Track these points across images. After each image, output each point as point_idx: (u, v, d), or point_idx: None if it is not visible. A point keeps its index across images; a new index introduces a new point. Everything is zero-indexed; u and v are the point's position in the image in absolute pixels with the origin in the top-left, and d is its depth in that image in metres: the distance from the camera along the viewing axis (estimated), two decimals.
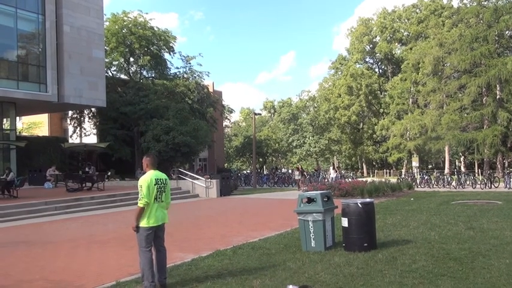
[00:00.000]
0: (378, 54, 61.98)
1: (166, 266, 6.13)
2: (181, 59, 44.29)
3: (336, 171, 32.42)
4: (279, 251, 8.09)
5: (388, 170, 57.10)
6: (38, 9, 26.67)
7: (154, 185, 5.90)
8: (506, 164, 38.93)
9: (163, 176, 6.11)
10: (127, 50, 39.80)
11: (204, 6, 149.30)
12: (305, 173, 32.77)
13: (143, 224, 5.87)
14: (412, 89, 52.08)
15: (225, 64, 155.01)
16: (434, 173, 32.78)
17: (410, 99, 53.40)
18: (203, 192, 23.42)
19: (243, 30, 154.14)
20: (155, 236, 6.02)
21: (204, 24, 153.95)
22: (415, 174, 35.27)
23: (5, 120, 27.73)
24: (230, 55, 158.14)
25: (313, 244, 7.95)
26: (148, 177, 5.92)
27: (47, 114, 42.21)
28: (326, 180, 31.53)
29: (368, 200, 8.23)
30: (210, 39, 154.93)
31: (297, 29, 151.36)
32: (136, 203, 5.89)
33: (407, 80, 52.12)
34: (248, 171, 51.32)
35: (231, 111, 57.55)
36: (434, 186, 27.04)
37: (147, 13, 42.82)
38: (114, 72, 42.02)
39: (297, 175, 30.32)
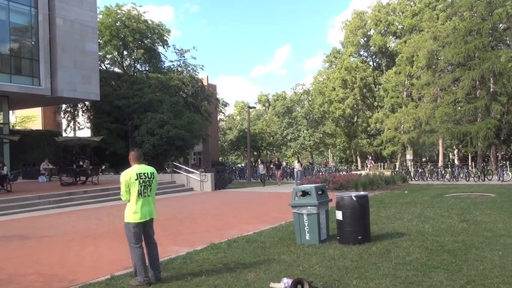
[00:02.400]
0: (372, 48, 61.92)
1: (159, 260, 6.13)
2: (176, 52, 44.23)
3: (302, 164, 29.27)
4: (274, 244, 8.10)
5: (382, 163, 57.30)
6: (30, 1, 26.45)
7: (136, 179, 5.82)
8: (499, 157, 39.13)
9: (148, 170, 6.02)
10: (121, 43, 39.62)
11: None
12: (281, 167, 30.42)
13: (130, 220, 5.83)
14: (406, 82, 52.13)
15: (220, 57, 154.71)
16: (428, 166, 32.89)
17: (405, 93, 53.47)
18: (198, 186, 23.43)
19: (238, 24, 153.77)
20: (144, 233, 5.98)
21: (200, 17, 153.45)
22: (409, 167, 35.40)
23: None
24: (225, 48, 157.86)
25: (307, 237, 7.97)
26: (128, 173, 5.87)
27: (40, 108, 41.96)
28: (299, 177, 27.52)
29: (362, 193, 8.25)
30: (205, 33, 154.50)
31: (292, 22, 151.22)
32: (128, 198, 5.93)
33: (402, 74, 52.16)
34: (243, 165, 51.36)
35: (225, 104, 57.50)
36: (428, 179, 27.14)
37: (140, 6, 42.77)
38: (108, 66, 41.87)
39: (261, 169, 27.99)
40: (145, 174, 5.93)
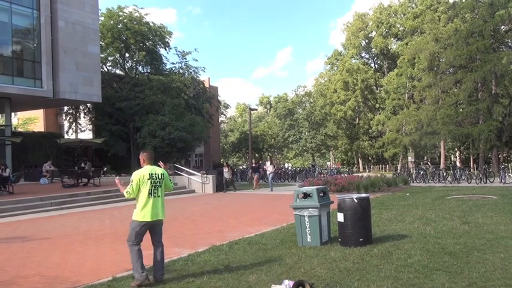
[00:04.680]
0: (373, 50, 61.89)
1: (163, 262, 6.15)
2: (177, 54, 44.25)
3: (274, 166, 25.49)
4: (275, 246, 8.10)
5: (383, 165, 57.23)
6: (32, 4, 26.54)
7: (148, 179, 5.93)
8: (501, 159, 39.04)
9: (159, 171, 6.15)
10: (122, 45, 39.67)
11: (202, 1, 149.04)
12: (261, 170, 26.95)
13: (137, 218, 5.92)
14: (407, 84, 52.08)
15: (222, 59, 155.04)
16: (430, 168, 32.81)
17: (406, 95, 53.41)
18: (199, 187, 23.43)
19: (240, 25, 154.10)
20: (152, 233, 6.07)
21: (202, 19, 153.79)
22: (411, 169, 35.32)
23: (0, 115, 27.64)
24: (227, 50, 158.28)
25: (309, 239, 7.97)
26: (142, 172, 6.00)
27: (42, 110, 42.05)
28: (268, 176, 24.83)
29: (364, 195, 8.24)
30: (207, 35, 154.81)
31: (294, 24, 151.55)
32: (132, 199, 6.05)
33: (403, 75, 52.10)
34: (244, 167, 51.33)
35: (226, 106, 57.45)
36: (430, 181, 27.08)
37: (142, 8, 42.79)
38: (110, 68, 41.89)
39: (225, 172, 24.57)
40: (156, 175, 6.06)
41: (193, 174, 24.53)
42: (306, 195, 8.15)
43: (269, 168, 24.72)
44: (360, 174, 29.18)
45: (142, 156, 6.18)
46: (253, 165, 26.89)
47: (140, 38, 39.46)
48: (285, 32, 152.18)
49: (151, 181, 5.96)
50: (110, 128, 36.01)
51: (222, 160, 58.53)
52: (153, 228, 6.06)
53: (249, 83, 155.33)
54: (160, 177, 6.08)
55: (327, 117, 63.55)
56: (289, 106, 68.80)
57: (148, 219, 5.91)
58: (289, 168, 47.21)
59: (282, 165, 56.42)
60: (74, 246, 9.04)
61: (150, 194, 5.93)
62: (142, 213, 5.91)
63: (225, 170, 24.79)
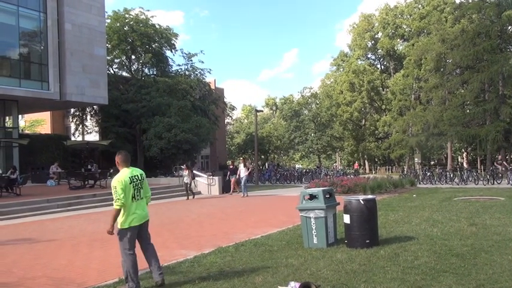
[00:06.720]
0: (379, 51, 61.73)
1: (159, 261, 6.06)
2: (183, 56, 44.32)
3: (248, 169, 22.98)
4: (281, 248, 8.08)
5: (390, 167, 57.01)
6: (39, 7, 26.68)
7: (130, 183, 5.71)
8: (508, 160, 38.78)
9: (138, 172, 5.93)
10: (128, 47, 39.79)
11: (209, 3, 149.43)
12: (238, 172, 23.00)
13: (124, 225, 5.69)
14: (414, 85, 51.89)
15: (228, 61, 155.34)
16: (437, 169, 32.65)
17: (413, 96, 53.22)
18: (205, 189, 23.44)
19: (247, 28, 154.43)
20: (139, 237, 5.91)
21: (209, 21, 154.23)
22: (418, 171, 35.16)
23: (7, 118, 27.84)
24: (233, 52, 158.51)
25: (315, 241, 7.94)
26: (122, 176, 5.71)
27: (49, 112, 42.27)
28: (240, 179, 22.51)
29: (370, 196, 8.22)
30: (214, 37, 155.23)
31: (301, 26, 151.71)
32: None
33: (410, 76, 51.91)
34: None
35: (232, 108, 57.42)
36: (437, 182, 26.97)
37: (148, 10, 42.87)
38: (116, 70, 42.03)
39: (185, 176, 21.12)
40: (136, 177, 5.85)
41: (200, 176, 24.55)
42: (312, 197, 8.12)
43: (242, 171, 22.25)
44: (366, 176, 29.10)
45: (117, 159, 5.88)
46: (231, 166, 24.94)
47: (146, 40, 39.57)
48: (291, 34, 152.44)
49: (133, 185, 5.74)
50: (116, 130, 36.12)
51: (227, 162, 58.62)
52: (141, 230, 5.89)
53: (255, 85, 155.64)
54: (140, 179, 5.87)
55: (333, 119, 63.45)
56: (295, 107, 68.65)
57: (136, 223, 5.75)
58: (298, 169, 47.11)
59: (275, 165, 56.28)
60: (80, 247, 9.07)
61: (133, 198, 5.74)
62: (128, 219, 5.68)
63: (185, 173, 21.35)
